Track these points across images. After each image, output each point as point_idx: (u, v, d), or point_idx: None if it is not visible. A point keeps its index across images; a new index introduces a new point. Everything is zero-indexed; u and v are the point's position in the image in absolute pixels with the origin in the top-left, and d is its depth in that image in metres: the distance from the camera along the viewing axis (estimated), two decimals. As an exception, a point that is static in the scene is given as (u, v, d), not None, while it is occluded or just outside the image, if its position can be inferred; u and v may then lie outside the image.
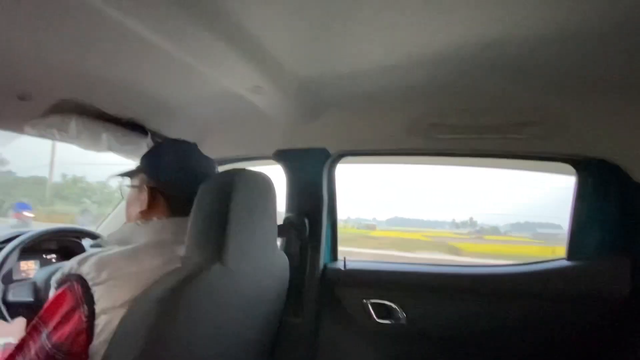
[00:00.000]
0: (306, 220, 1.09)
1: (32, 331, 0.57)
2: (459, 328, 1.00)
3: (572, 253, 0.96)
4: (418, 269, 1.06)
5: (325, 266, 1.11)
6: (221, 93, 0.94)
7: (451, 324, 1.00)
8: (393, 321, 1.04)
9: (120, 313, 0.56)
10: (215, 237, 0.63)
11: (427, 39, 0.66)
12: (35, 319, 0.57)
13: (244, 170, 0.70)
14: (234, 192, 0.64)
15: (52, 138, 0.99)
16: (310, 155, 1.11)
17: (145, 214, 0.74)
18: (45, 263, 1.27)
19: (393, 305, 1.03)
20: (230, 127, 1.18)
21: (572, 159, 0.95)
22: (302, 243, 1.10)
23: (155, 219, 0.73)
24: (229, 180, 0.66)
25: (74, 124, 0.93)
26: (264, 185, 0.75)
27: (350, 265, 1.11)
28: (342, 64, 0.78)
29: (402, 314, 1.03)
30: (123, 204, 1.52)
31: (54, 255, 1.32)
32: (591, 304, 0.91)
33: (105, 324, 0.56)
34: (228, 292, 0.66)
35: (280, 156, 1.15)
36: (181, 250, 0.67)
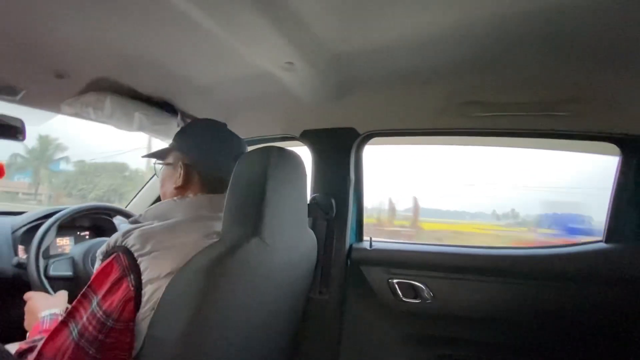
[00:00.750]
0: (333, 201, 1.10)
1: (82, 299, 0.59)
2: (488, 310, 0.99)
3: (610, 236, 0.93)
4: (446, 250, 1.05)
5: (351, 246, 1.12)
6: (251, 72, 0.93)
7: (480, 305, 1.00)
8: (419, 300, 1.04)
9: (164, 283, 0.58)
10: (253, 213, 0.64)
11: (462, 13, 0.63)
12: (85, 288, 0.60)
13: (277, 147, 0.70)
14: (270, 169, 0.65)
15: (87, 117, 1.02)
16: (338, 135, 1.10)
17: (180, 191, 0.76)
18: (79, 239, 1.32)
19: (420, 285, 1.04)
20: (256, 107, 1.17)
21: (616, 138, 0.91)
22: (328, 223, 1.10)
23: (190, 195, 0.75)
24: (265, 157, 0.66)
25: (108, 102, 0.94)
26: (296, 163, 0.75)
27: (376, 245, 1.11)
28: (375, 38, 0.75)
29: (428, 294, 1.03)
30: (150, 183, 1.56)
31: (87, 232, 1.37)
32: (628, 288, 0.88)
33: (152, 293, 0.58)
34: (264, 266, 0.67)
35: (307, 136, 1.15)
36: (218, 226, 0.69)
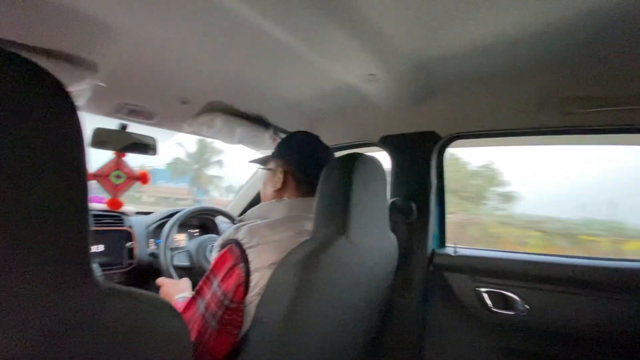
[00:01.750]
0: (413, 205, 1.10)
1: (206, 280, 0.72)
2: (595, 328, 0.88)
3: None
4: (543, 259, 0.97)
5: (433, 251, 1.11)
6: (334, 86, 1.01)
7: (585, 322, 0.89)
8: (513, 312, 0.98)
9: (268, 272, 0.67)
10: (340, 214, 0.70)
11: (557, 6, 0.60)
12: (208, 272, 0.73)
13: (360, 154, 0.75)
14: (355, 174, 0.70)
15: (201, 134, 1.23)
16: (418, 139, 1.11)
17: (278, 193, 0.87)
18: (191, 236, 1.58)
19: (512, 295, 0.98)
20: (337, 117, 1.25)
21: None
22: (408, 227, 1.12)
23: (286, 198, 0.85)
24: (351, 162, 0.72)
25: (218, 121, 1.13)
26: (377, 168, 0.80)
27: (462, 252, 1.08)
28: (459, 42, 0.76)
29: (523, 305, 0.96)
30: (244, 190, 1.78)
31: (197, 230, 1.63)
32: None
33: (258, 280, 0.67)
34: (351, 264, 0.72)
35: (386, 142, 1.18)
36: (309, 225, 0.77)
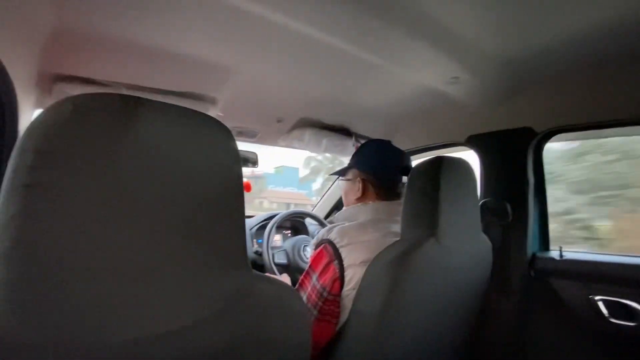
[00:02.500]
0: (508, 206, 1.05)
1: (306, 275, 0.82)
2: None
3: None
4: None
5: (534, 255, 1.04)
6: (414, 91, 1.03)
7: None
8: (634, 323, 0.86)
9: (360, 269, 0.73)
10: (429, 216, 0.72)
11: None
12: (307, 268, 0.82)
13: (447, 157, 0.76)
14: (442, 176, 0.72)
15: (292, 147, 1.38)
16: (511, 136, 1.05)
17: (360, 200, 0.93)
18: (285, 236, 1.77)
19: (635, 305, 0.86)
20: (420, 120, 1.26)
21: None
22: (503, 229, 1.06)
23: (370, 202, 0.90)
24: (437, 165, 0.74)
25: (307, 134, 1.26)
26: (466, 169, 0.79)
27: (569, 256, 0.99)
28: (554, 34, 0.71)
29: None
30: (327, 194, 1.91)
31: (289, 231, 1.81)
32: None
33: (352, 276, 0.74)
34: (440, 266, 0.74)
35: (474, 141, 1.15)
36: (394, 227, 0.81)
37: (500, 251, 1.04)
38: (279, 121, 1.24)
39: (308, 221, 1.81)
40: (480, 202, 1.10)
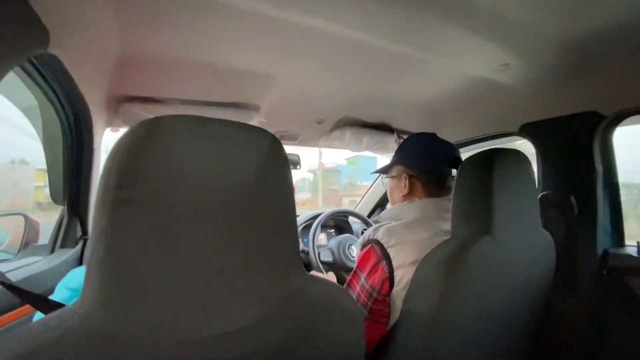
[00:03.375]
0: (572, 199, 0.96)
1: (354, 275, 0.81)
2: None
3: None
4: None
5: (606, 251, 0.94)
6: (459, 82, 0.98)
7: None
8: None
9: (410, 270, 0.72)
10: (482, 212, 0.68)
11: None
12: (355, 268, 0.81)
13: (499, 148, 0.72)
14: (495, 169, 0.67)
15: (333, 147, 1.40)
16: (574, 122, 0.96)
17: (407, 197, 0.90)
18: (329, 235, 1.79)
19: None
20: (467, 111, 1.20)
21: None
22: (568, 224, 0.97)
23: (417, 199, 0.87)
24: (489, 158, 0.69)
25: (348, 134, 1.26)
26: (521, 161, 0.74)
27: None
28: (622, 8, 0.63)
29: None
30: (370, 191, 1.89)
31: (333, 230, 1.83)
32: None
33: (401, 276, 0.73)
34: (496, 265, 0.70)
35: (529, 129, 1.06)
36: (444, 225, 0.77)
37: (565, 248, 0.96)
38: (319, 122, 1.26)
39: (351, 220, 1.81)
40: (540, 196, 1.02)
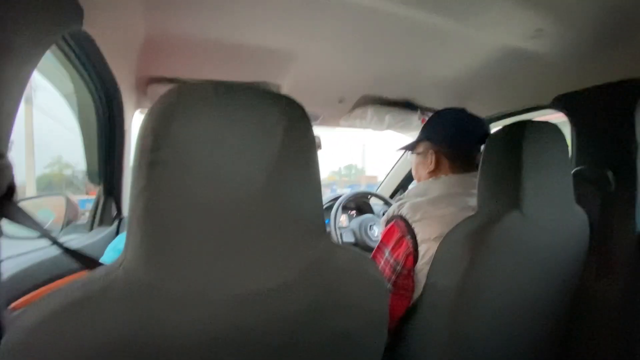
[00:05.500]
0: (609, 174, 0.91)
1: (378, 250, 0.82)
2: None
3: None
4: None
5: None
6: (487, 53, 0.94)
7: None
8: None
9: (434, 244, 0.71)
10: (510, 186, 0.66)
11: None
12: (379, 243, 0.82)
13: (530, 121, 0.69)
14: (526, 142, 0.65)
15: (354, 126, 1.38)
16: (613, 92, 0.89)
17: (433, 174, 0.89)
18: (350, 217, 1.80)
19: None
20: (494, 85, 1.15)
21: None
22: (603, 200, 0.92)
23: (443, 176, 0.85)
24: (520, 130, 0.67)
25: (369, 112, 1.25)
26: (555, 133, 0.70)
27: None
28: None
29: None
30: (393, 171, 1.87)
31: (354, 211, 1.84)
32: None
33: (425, 251, 0.73)
34: (526, 241, 0.68)
35: (563, 101, 1.00)
36: (471, 201, 0.76)
37: (599, 226, 0.91)
38: (340, 101, 1.25)
39: (373, 201, 1.81)
40: (573, 171, 0.97)
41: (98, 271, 0.35)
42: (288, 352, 0.39)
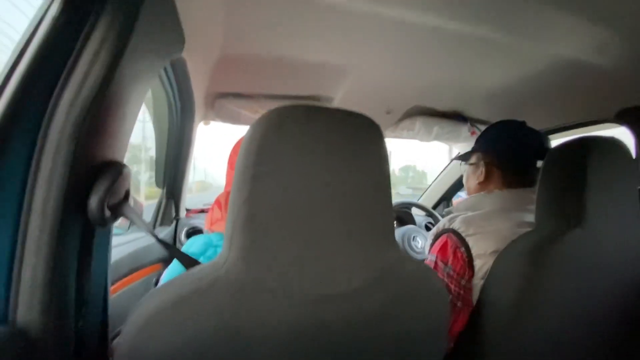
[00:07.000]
0: None
1: (435, 267, 0.78)
2: None
3: None
4: None
5: None
6: (547, 65, 0.92)
7: None
8: None
9: (490, 259, 0.70)
10: (573, 203, 0.64)
11: None
12: (435, 259, 0.79)
13: (595, 137, 0.67)
14: (591, 158, 0.64)
15: (401, 137, 1.40)
16: None
17: (483, 186, 0.87)
18: (391, 226, 1.79)
19: None
20: (551, 98, 1.12)
21: None
22: None
23: (496, 190, 0.84)
24: (585, 146, 0.66)
25: (418, 124, 1.26)
26: (621, 150, 0.68)
27: None
28: None
29: None
30: (436, 182, 1.86)
31: (395, 222, 1.84)
32: None
33: (481, 266, 0.72)
34: (587, 260, 0.66)
35: (629, 115, 0.96)
36: (527, 217, 0.74)
37: None
38: (388, 112, 1.28)
39: (414, 211, 1.79)
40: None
41: (203, 269, 0.40)
42: (359, 350, 0.43)
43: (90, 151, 0.42)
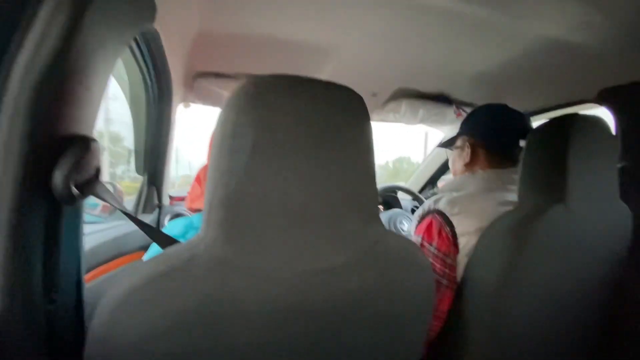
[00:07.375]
0: None
1: (421, 247, 0.80)
2: None
3: None
4: None
5: None
6: (527, 46, 0.92)
7: None
8: None
9: (474, 237, 0.72)
10: (555, 180, 0.65)
11: None
12: (421, 240, 0.80)
13: (576, 114, 0.68)
14: (572, 136, 0.64)
15: (386, 120, 1.39)
16: None
17: (469, 167, 0.88)
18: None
19: None
20: (535, 79, 1.12)
21: None
22: None
23: (479, 170, 0.85)
24: (567, 123, 0.66)
25: (404, 106, 1.25)
26: (602, 127, 0.69)
27: None
28: None
29: None
30: (423, 166, 1.87)
31: (381, 207, 1.85)
32: None
33: (465, 243, 0.73)
34: (569, 235, 0.67)
35: (609, 96, 0.98)
36: (509, 196, 0.76)
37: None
38: (373, 95, 1.27)
39: (400, 196, 1.80)
40: (619, 167, 0.95)
41: (180, 247, 0.39)
42: (341, 326, 0.43)
43: (53, 122, 0.39)
